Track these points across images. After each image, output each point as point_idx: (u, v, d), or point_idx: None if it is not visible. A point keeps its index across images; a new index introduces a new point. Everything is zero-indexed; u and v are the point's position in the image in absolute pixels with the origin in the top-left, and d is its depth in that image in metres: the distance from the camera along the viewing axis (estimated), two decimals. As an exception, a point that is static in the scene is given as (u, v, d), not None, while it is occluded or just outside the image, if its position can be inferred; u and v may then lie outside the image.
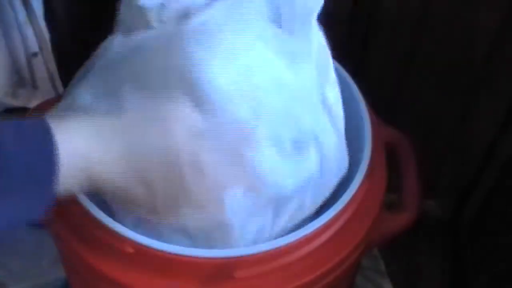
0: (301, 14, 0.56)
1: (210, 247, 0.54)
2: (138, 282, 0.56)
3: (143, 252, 0.55)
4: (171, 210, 0.52)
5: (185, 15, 0.54)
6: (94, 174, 0.47)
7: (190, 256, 0.54)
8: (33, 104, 0.97)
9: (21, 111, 0.98)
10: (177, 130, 0.48)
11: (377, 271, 0.97)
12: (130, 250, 0.55)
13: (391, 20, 0.80)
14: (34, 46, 0.93)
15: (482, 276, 0.78)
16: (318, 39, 0.57)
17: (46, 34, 0.91)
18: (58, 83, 0.97)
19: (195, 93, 0.48)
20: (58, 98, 0.60)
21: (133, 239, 0.55)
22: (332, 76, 0.58)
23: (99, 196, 0.56)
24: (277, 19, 0.55)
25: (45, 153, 0.42)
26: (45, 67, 0.96)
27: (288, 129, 0.53)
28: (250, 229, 0.56)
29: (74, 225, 0.59)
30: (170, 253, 0.54)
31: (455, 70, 0.79)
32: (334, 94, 0.59)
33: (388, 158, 0.66)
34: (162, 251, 0.54)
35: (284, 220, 0.58)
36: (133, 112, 0.48)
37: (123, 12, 0.56)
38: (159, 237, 0.54)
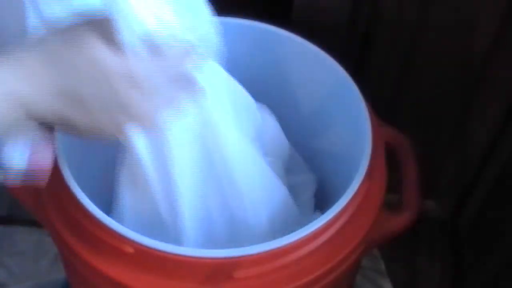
0: None
1: None
2: (138, 282, 0.56)
3: (143, 252, 0.55)
4: (111, 128, 0.52)
5: None
6: (31, 108, 0.47)
7: (190, 256, 0.54)
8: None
9: None
10: (101, 49, 0.48)
11: (377, 271, 0.97)
12: (130, 250, 0.55)
13: (391, 20, 0.80)
14: None
15: (482, 276, 0.78)
16: None
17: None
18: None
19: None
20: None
21: (133, 239, 0.55)
22: None
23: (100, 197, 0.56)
24: None
25: None
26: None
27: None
28: None
29: (74, 225, 0.59)
30: (170, 253, 0.54)
31: (455, 70, 0.79)
32: None
33: (388, 158, 0.66)
34: (162, 251, 0.54)
35: None
36: (55, 40, 0.49)
37: None
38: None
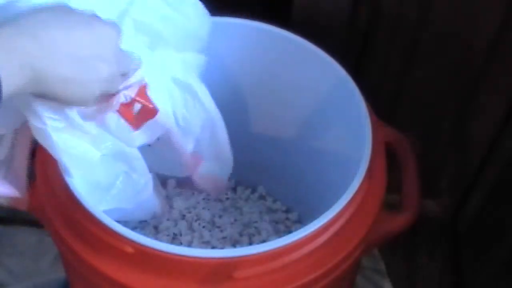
0: None
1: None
2: (138, 282, 0.56)
3: (143, 252, 0.55)
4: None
5: None
6: (37, 69, 0.49)
7: (190, 256, 0.54)
8: None
9: None
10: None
11: (377, 271, 0.97)
12: (130, 250, 0.55)
13: (391, 20, 0.80)
14: None
15: (482, 276, 0.78)
16: None
17: None
18: None
19: None
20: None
21: (133, 239, 0.55)
22: None
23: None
24: None
25: None
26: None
27: None
28: None
29: (74, 225, 0.59)
30: (170, 253, 0.54)
31: (455, 70, 0.79)
32: None
33: (388, 158, 0.66)
34: (162, 251, 0.54)
35: None
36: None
37: None
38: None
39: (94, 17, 0.54)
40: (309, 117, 0.78)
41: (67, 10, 0.52)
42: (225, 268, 0.55)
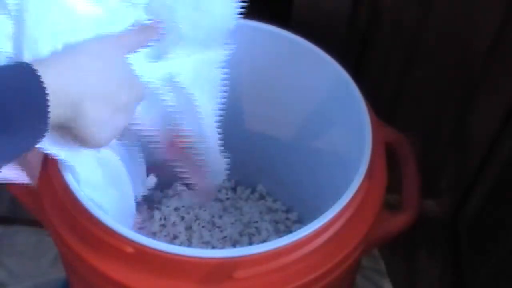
0: None
1: None
2: (138, 282, 0.56)
3: (143, 252, 0.55)
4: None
5: None
6: (75, 105, 0.50)
7: (190, 256, 0.54)
8: None
9: None
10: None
11: (377, 271, 0.97)
12: (130, 250, 0.55)
13: (391, 20, 0.80)
14: None
15: (482, 276, 0.78)
16: None
17: None
18: None
19: None
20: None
21: (133, 239, 0.55)
22: None
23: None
24: None
25: (32, 87, 0.46)
26: None
27: None
28: None
29: (74, 225, 0.59)
30: (170, 253, 0.54)
31: (455, 70, 0.79)
32: None
33: (388, 158, 0.66)
34: (162, 251, 0.54)
35: None
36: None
37: None
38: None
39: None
40: (309, 117, 0.78)
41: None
42: (225, 268, 0.55)
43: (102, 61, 0.53)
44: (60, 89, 0.48)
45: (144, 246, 0.54)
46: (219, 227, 0.86)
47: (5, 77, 0.46)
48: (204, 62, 0.63)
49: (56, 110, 0.47)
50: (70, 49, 0.52)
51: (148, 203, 0.88)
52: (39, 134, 0.47)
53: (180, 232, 0.85)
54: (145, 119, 0.62)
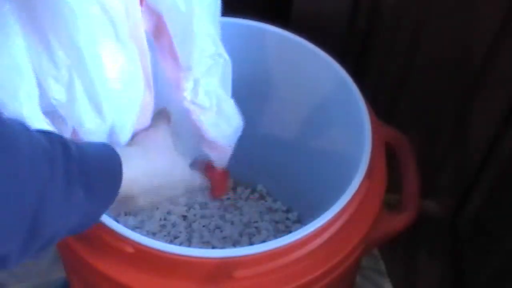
0: None
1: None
2: (138, 282, 0.56)
3: (143, 252, 0.55)
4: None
5: None
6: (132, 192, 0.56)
7: (190, 256, 0.54)
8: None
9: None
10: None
11: (377, 271, 0.97)
12: (130, 250, 0.55)
13: (391, 20, 0.80)
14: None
15: (482, 276, 0.78)
16: None
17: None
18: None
19: None
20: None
21: (133, 239, 0.55)
22: None
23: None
24: None
25: (114, 167, 0.53)
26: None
27: None
28: None
29: (74, 225, 0.59)
30: (170, 253, 0.54)
31: (455, 70, 0.79)
32: None
33: (388, 158, 0.66)
34: (162, 251, 0.54)
35: None
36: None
37: None
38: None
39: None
40: (309, 117, 0.78)
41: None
42: (225, 268, 0.55)
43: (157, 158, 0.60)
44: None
45: (144, 246, 0.54)
46: (219, 227, 0.86)
47: (99, 150, 0.52)
48: None
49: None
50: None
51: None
52: (110, 203, 0.52)
53: (180, 232, 0.85)
54: None
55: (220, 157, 0.70)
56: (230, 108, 0.66)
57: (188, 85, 0.62)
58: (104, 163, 0.52)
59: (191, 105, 0.63)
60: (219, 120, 0.65)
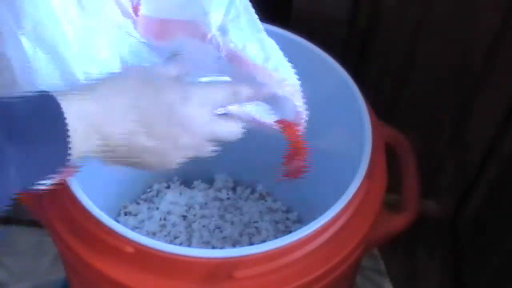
0: None
1: None
2: (138, 282, 0.56)
3: (143, 252, 0.55)
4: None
5: None
6: (105, 135, 0.48)
7: (190, 256, 0.54)
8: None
9: None
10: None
11: (377, 271, 0.97)
12: (130, 250, 0.55)
13: (391, 20, 0.80)
14: None
15: (482, 276, 0.78)
16: None
17: None
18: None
19: None
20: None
21: (133, 239, 0.55)
22: None
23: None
24: None
25: (52, 115, 0.46)
26: None
27: None
28: None
29: (74, 226, 0.59)
30: (170, 253, 0.54)
31: (455, 70, 0.79)
32: None
33: (388, 158, 0.66)
34: (162, 251, 0.54)
35: None
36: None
37: None
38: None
39: (165, 85, 0.52)
40: (308, 117, 0.78)
41: (138, 78, 0.52)
42: (225, 268, 0.55)
43: (127, 95, 0.50)
44: (84, 116, 0.47)
45: (144, 246, 0.54)
46: (219, 227, 0.86)
47: (30, 104, 0.46)
48: None
49: (84, 140, 0.47)
50: (94, 83, 0.51)
51: (148, 203, 0.88)
52: (61, 156, 0.46)
53: (180, 232, 0.85)
54: None
55: (289, 103, 0.63)
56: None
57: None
58: (35, 111, 0.46)
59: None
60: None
